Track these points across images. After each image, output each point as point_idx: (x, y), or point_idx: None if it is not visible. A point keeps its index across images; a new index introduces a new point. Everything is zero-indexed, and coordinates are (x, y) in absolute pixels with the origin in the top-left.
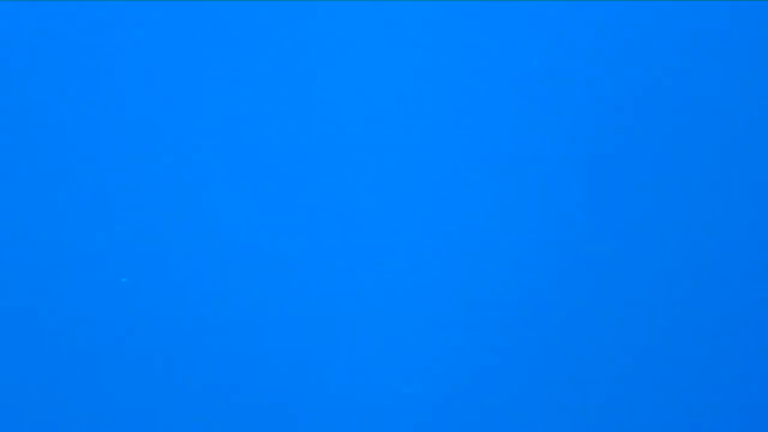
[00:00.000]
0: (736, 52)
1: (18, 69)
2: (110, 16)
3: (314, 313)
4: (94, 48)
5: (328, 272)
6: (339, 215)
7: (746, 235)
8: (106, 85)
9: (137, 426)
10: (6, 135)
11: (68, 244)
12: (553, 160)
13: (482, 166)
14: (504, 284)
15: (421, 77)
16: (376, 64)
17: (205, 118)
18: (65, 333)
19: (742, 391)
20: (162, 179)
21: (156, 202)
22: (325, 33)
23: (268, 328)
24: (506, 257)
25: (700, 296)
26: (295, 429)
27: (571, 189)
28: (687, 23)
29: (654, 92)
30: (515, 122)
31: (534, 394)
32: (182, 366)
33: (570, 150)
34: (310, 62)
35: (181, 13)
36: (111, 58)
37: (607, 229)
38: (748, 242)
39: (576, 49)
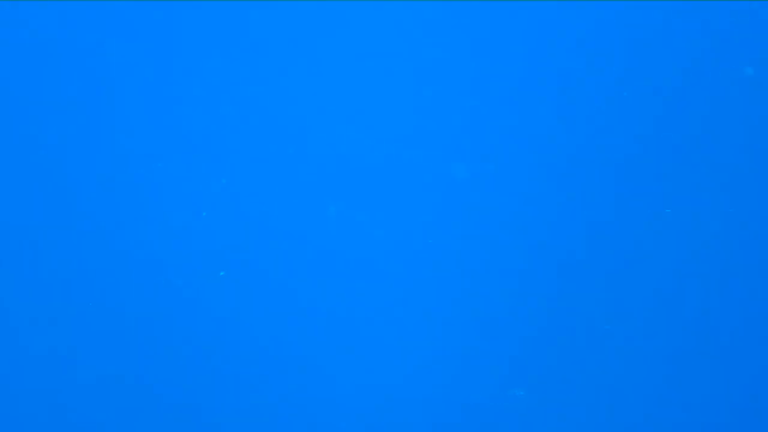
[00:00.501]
0: (737, 52)
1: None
2: (110, 17)
3: (314, 314)
4: (106, 50)
5: (326, 274)
6: (339, 215)
7: (749, 233)
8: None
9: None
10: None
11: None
12: (552, 161)
13: (481, 167)
14: (503, 285)
15: (421, 78)
16: (376, 64)
17: (210, 121)
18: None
19: (742, 392)
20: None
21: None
22: (325, 33)
23: (270, 328)
24: (506, 258)
25: (702, 299)
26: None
27: (571, 190)
28: (687, 23)
29: (654, 93)
30: (515, 123)
31: (532, 394)
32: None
33: (570, 151)
34: (309, 62)
35: (182, 13)
36: (127, 61)
37: (608, 230)
38: (751, 241)
39: (576, 49)
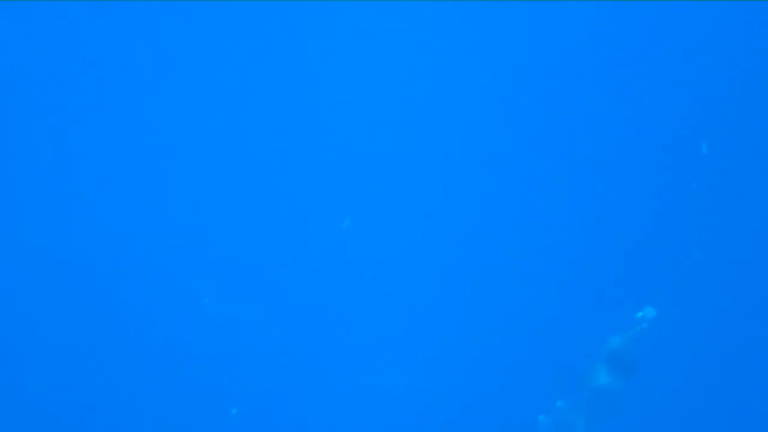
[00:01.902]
0: (736, 52)
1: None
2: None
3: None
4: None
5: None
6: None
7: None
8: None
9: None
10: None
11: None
12: (551, 161)
13: (479, 168)
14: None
15: (421, 78)
16: (377, 64)
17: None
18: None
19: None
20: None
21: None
22: (325, 33)
23: (270, 329)
24: (502, 258)
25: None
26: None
27: (569, 190)
28: (686, 23)
29: (654, 93)
30: (515, 124)
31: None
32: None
33: (569, 151)
34: (310, 62)
35: (182, 13)
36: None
37: (608, 230)
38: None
39: (575, 49)
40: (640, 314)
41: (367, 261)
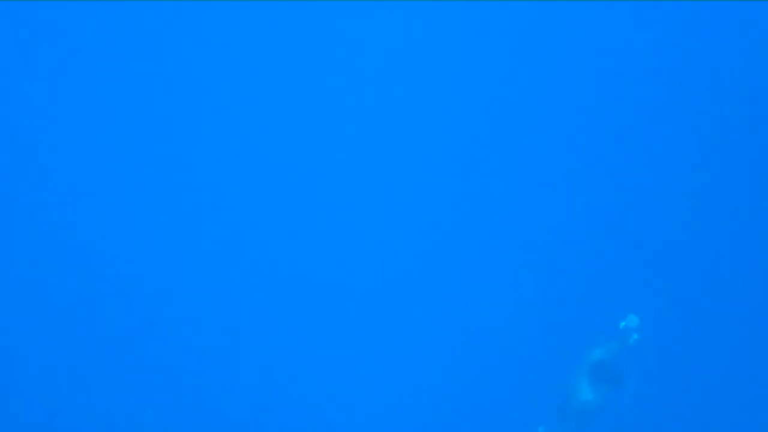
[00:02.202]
0: (736, 52)
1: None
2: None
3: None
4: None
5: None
6: (338, 216)
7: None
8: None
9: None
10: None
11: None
12: (551, 161)
13: (478, 167)
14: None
15: (421, 77)
16: (377, 64)
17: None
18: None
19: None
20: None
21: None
22: (325, 33)
23: (267, 327)
24: (501, 258)
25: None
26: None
27: (569, 190)
28: (687, 23)
29: (654, 93)
30: (514, 123)
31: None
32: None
33: (568, 151)
34: (309, 62)
35: (182, 13)
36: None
37: (608, 230)
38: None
39: (575, 49)
40: (623, 324)
41: (354, 268)
